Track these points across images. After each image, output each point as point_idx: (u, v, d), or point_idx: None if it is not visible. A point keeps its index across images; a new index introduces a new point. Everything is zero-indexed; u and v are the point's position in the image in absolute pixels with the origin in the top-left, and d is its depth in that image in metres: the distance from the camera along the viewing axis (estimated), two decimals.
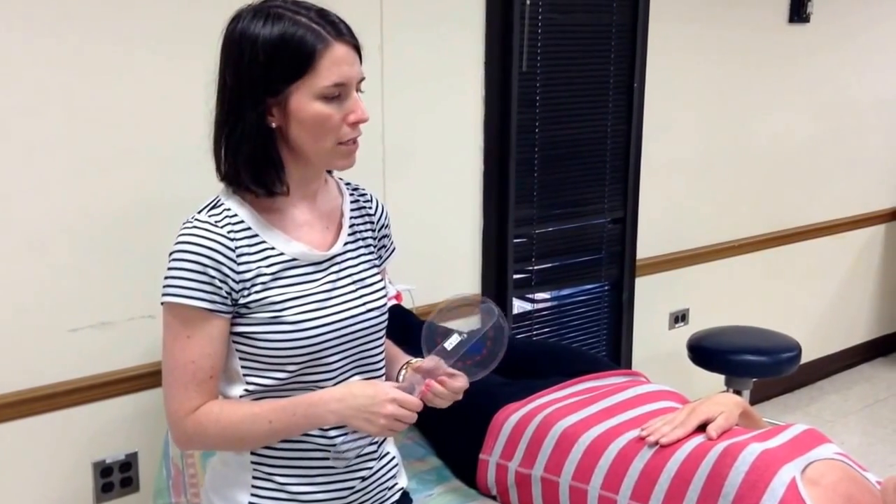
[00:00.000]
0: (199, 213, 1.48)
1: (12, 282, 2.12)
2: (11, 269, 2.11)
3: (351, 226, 1.61)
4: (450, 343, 1.53)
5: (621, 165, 3.32)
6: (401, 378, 1.60)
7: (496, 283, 3.05)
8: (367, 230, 1.64)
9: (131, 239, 2.28)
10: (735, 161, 3.74)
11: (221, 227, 1.44)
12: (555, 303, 3.32)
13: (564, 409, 1.87)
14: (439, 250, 2.92)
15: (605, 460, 1.74)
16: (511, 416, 1.91)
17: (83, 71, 2.14)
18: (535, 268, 3.19)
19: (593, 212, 3.30)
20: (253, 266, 1.45)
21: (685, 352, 3.45)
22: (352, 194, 1.65)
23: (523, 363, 2.15)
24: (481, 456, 1.91)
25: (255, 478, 1.53)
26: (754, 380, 3.42)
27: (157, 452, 2.36)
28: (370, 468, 1.60)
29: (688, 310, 3.72)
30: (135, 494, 2.41)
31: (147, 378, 2.36)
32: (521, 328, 3.21)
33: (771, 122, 3.84)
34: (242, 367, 1.49)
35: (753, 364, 3.29)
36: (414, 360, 1.63)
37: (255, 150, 1.43)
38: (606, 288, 3.44)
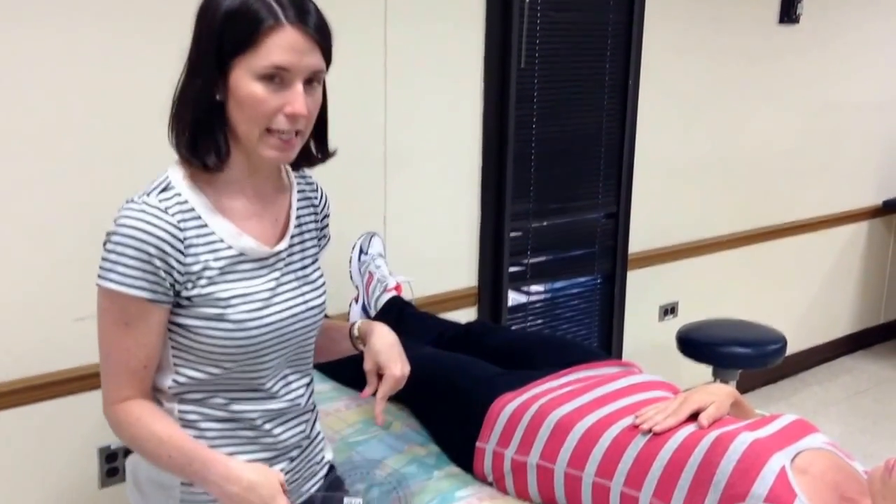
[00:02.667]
0: (149, 194, 1.40)
1: (19, 272, 2.17)
2: (18, 259, 2.16)
3: (298, 217, 1.58)
4: None
5: (615, 161, 3.39)
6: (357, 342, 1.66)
7: (492, 276, 3.11)
8: (311, 220, 1.62)
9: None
10: (725, 159, 3.81)
11: (172, 214, 1.38)
12: (548, 295, 3.39)
13: (560, 399, 1.93)
14: (438, 243, 2.98)
15: (599, 448, 1.80)
16: (508, 405, 1.97)
17: (92, 63, 2.18)
18: (530, 261, 3.25)
19: (587, 207, 3.37)
20: (200, 258, 1.41)
21: (674, 343, 3.51)
22: (298, 183, 1.61)
23: (519, 353, 2.21)
24: (478, 444, 1.97)
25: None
26: (740, 371, 3.50)
27: None
28: (301, 447, 1.62)
29: (677, 303, 3.80)
30: (122, 484, 2.45)
31: None
32: (515, 320, 3.27)
33: (760, 121, 3.91)
34: (175, 357, 1.46)
35: (740, 356, 3.36)
36: (357, 322, 1.67)
37: (196, 119, 1.39)
38: (599, 281, 3.51)
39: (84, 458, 2.37)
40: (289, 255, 1.54)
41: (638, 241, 3.55)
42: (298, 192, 1.61)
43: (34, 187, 2.15)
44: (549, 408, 1.91)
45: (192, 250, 1.40)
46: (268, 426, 1.54)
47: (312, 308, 1.56)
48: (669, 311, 3.79)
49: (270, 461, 1.56)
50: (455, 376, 2.08)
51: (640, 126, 3.42)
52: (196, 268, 1.40)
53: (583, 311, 3.50)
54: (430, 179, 2.90)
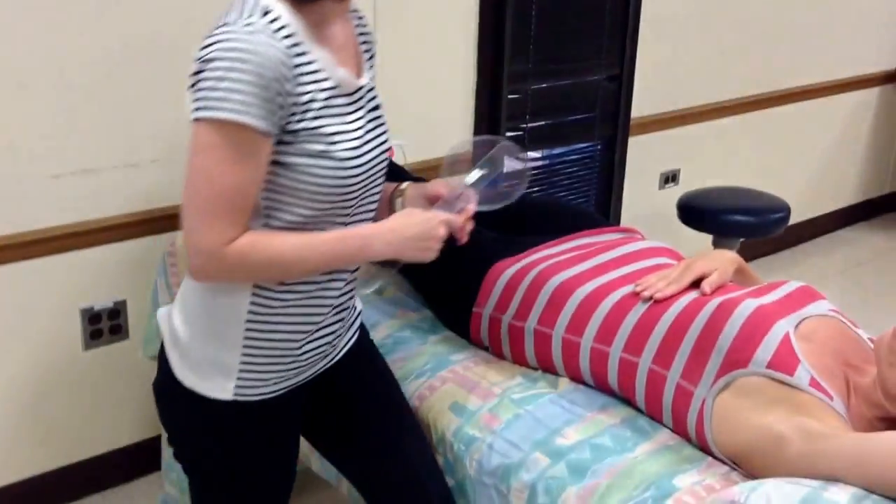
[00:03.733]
0: (249, 17, 1.27)
1: None
2: None
3: (367, 50, 1.51)
4: (471, 177, 1.51)
5: (619, 20, 3.23)
6: (397, 205, 1.58)
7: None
8: (370, 56, 1.53)
9: (118, 83, 2.21)
10: (732, 17, 3.64)
11: (280, 38, 1.27)
12: (546, 161, 3.29)
13: (559, 265, 1.86)
14: (432, 105, 2.86)
15: (598, 314, 1.74)
16: (506, 271, 1.90)
17: None
18: (529, 125, 3.13)
19: (589, 68, 3.23)
20: (308, 88, 1.31)
21: (674, 212, 3.44)
22: (351, 14, 1.51)
23: (517, 218, 2.12)
24: (475, 309, 1.91)
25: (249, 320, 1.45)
26: (741, 240, 3.45)
27: (145, 302, 2.37)
28: (351, 296, 1.58)
29: (678, 170, 3.70)
30: (124, 342, 2.43)
31: (133, 227, 2.34)
32: None
33: None
34: (266, 199, 1.36)
35: (742, 224, 3.29)
36: (402, 184, 1.61)
37: None
38: (599, 147, 3.40)
39: (67, 318, 2.32)
40: (367, 91, 1.46)
41: (640, 105, 3.42)
42: (356, 25, 1.51)
43: (13, 34, 2.03)
44: (548, 274, 1.84)
45: (301, 79, 1.31)
46: (334, 275, 1.48)
47: (385, 151, 1.49)
48: (671, 178, 3.69)
49: (335, 310, 1.52)
50: (451, 241, 2.00)
51: None
52: (304, 98, 1.31)
53: (582, 177, 3.41)
54: (424, 35, 2.76)
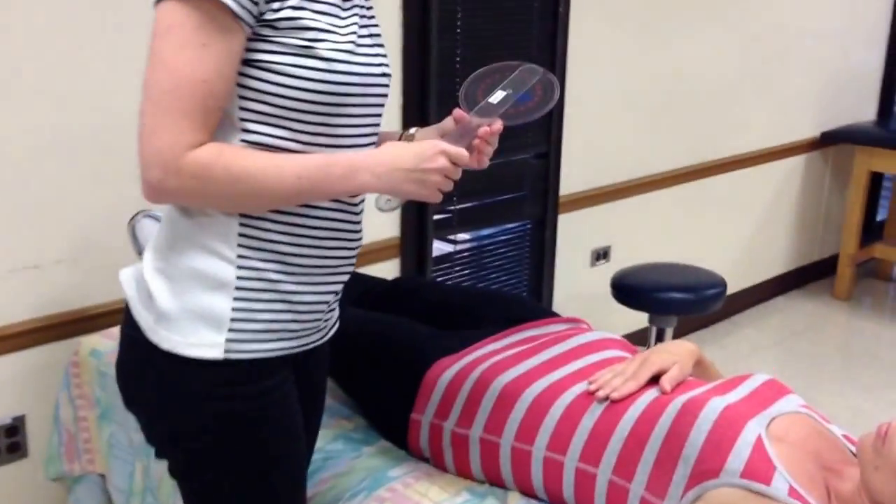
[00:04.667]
0: None
1: None
2: None
3: None
4: (495, 97, 1.34)
5: None
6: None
7: (416, 225, 2.87)
8: None
9: (21, 181, 2.03)
10: (659, 93, 3.61)
11: None
12: (476, 243, 3.17)
13: (504, 363, 1.72)
14: None
15: (550, 419, 1.59)
16: (445, 372, 1.75)
17: None
18: (457, 207, 3.01)
19: (516, 147, 3.14)
20: None
21: (607, 290, 3.34)
22: None
23: (455, 311, 1.98)
24: (413, 416, 1.75)
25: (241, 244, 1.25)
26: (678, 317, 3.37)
27: (47, 416, 2.15)
28: (348, 274, 1.41)
29: (609, 247, 3.62)
30: (23, 461, 2.20)
31: (33, 335, 2.13)
32: (441, 271, 3.05)
33: (696, 52, 3.71)
34: (242, 110, 1.21)
35: (679, 301, 3.20)
36: (410, 130, 1.45)
37: None
38: (528, 226, 3.30)
39: None
40: (361, 7, 1.31)
41: (568, 182, 3.34)
42: None
43: None
44: (492, 373, 1.69)
45: None
46: (340, 206, 1.31)
47: (386, 76, 1.33)
48: (601, 255, 3.60)
49: (339, 260, 1.34)
50: (385, 340, 1.84)
51: (571, 57, 3.19)
52: None
53: (513, 258, 3.29)
54: None
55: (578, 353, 1.73)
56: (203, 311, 1.24)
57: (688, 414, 1.46)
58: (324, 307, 1.36)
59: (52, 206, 2.10)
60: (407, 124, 2.75)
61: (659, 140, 3.67)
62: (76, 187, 2.10)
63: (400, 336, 1.84)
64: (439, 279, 3.02)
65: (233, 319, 1.25)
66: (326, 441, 1.78)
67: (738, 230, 4.20)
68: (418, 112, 2.78)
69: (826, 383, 3.65)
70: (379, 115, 1.35)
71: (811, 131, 4.45)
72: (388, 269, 2.84)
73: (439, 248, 3.06)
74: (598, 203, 3.49)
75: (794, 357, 3.89)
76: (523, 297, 2.06)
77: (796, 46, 4.19)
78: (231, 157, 1.17)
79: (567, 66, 3.19)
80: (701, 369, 1.70)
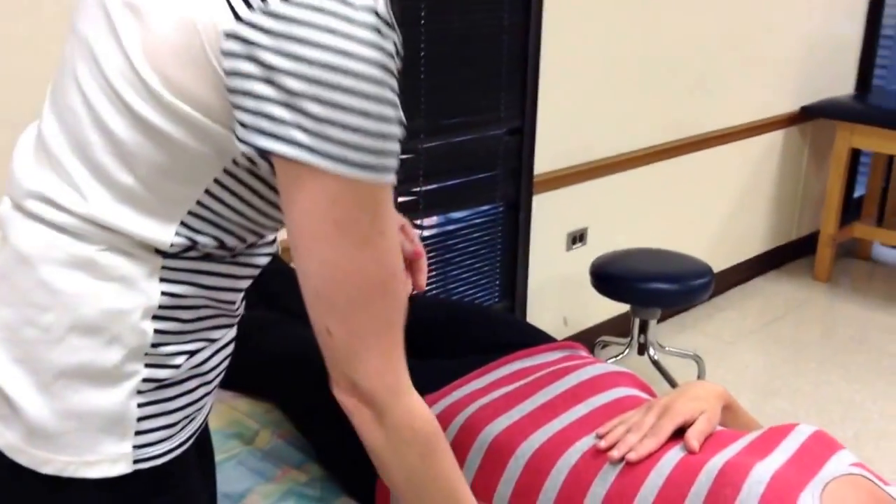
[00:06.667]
0: None
1: None
2: None
3: None
4: None
5: (519, 67, 2.84)
6: None
7: None
8: None
9: None
10: (637, 65, 3.31)
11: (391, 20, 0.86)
12: (445, 228, 2.86)
13: (493, 407, 1.41)
14: None
15: (553, 481, 1.30)
16: None
17: None
18: (424, 188, 2.70)
19: (488, 122, 2.82)
20: None
21: (584, 276, 3.06)
22: None
23: (433, 333, 1.67)
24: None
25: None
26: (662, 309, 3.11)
27: None
28: None
29: (586, 229, 3.32)
30: None
31: None
32: None
33: (675, 25, 3.41)
34: (236, 215, 0.97)
35: (664, 292, 2.94)
36: None
37: None
38: (500, 209, 2.99)
39: None
40: None
41: (542, 160, 3.03)
42: None
43: None
44: (479, 421, 1.39)
45: None
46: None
47: None
48: (578, 238, 3.31)
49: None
50: None
51: (546, 30, 2.86)
52: None
53: (484, 243, 2.99)
54: None
55: (581, 393, 1.43)
56: (96, 414, 0.90)
57: (727, 485, 1.18)
58: (221, 375, 1.05)
59: None
60: None
61: (637, 116, 3.38)
62: None
63: None
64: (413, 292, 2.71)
65: (140, 418, 0.92)
66: (274, 498, 1.46)
67: (717, 208, 3.94)
68: None
69: (813, 372, 3.42)
70: None
71: (791, 105, 4.18)
72: None
73: None
74: (573, 182, 3.19)
75: (778, 344, 3.65)
76: (512, 318, 1.75)
77: (776, 18, 3.90)
78: (435, 442, 1.01)
79: (542, 37, 2.87)
80: (730, 415, 1.42)
